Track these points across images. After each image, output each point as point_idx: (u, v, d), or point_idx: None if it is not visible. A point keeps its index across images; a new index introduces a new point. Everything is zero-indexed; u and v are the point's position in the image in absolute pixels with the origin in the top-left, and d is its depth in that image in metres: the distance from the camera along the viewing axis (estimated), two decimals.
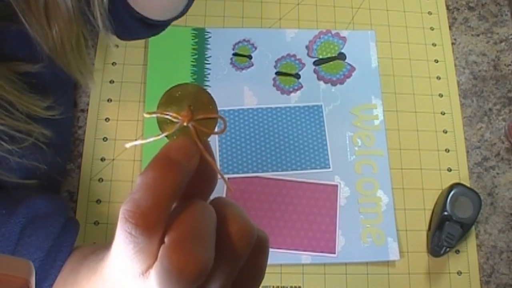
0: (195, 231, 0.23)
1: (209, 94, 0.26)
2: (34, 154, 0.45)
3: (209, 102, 0.26)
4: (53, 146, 0.47)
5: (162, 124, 0.26)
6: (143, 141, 0.26)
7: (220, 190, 0.59)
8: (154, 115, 0.26)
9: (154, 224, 0.22)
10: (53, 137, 0.46)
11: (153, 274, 0.23)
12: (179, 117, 0.25)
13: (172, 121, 0.25)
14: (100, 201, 0.59)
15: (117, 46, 0.64)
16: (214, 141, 0.61)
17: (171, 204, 0.23)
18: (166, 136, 0.26)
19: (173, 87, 0.26)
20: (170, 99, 0.26)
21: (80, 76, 0.46)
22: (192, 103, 0.26)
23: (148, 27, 0.51)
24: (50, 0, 0.38)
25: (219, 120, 0.26)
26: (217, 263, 0.23)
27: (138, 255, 0.23)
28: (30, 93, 0.43)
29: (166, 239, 0.23)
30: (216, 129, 0.26)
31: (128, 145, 0.27)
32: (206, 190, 0.27)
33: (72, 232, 0.45)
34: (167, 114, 0.25)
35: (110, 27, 0.47)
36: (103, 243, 0.56)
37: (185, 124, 0.25)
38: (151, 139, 0.26)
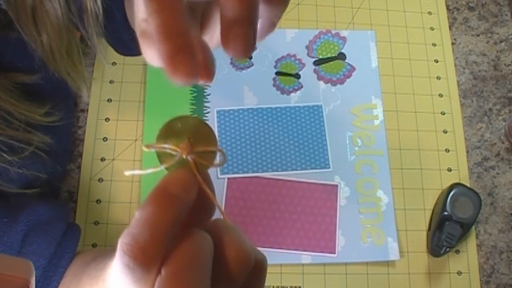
0: (192, 263, 0.23)
1: (209, 127, 0.26)
2: (34, 164, 0.45)
3: (209, 135, 0.26)
4: (53, 153, 0.47)
5: (162, 156, 0.26)
6: (143, 172, 0.26)
7: (220, 187, 0.59)
8: (152, 149, 0.25)
9: (152, 257, 0.23)
10: (53, 144, 0.46)
11: None
12: (178, 150, 0.25)
13: (171, 153, 0.25)
14: (100, 201, 0.59)
15: (114, 63, 0.64)
16: None
17: (169, 237, 0.23)
18: (165, 168, 0.26)
19: (173, 119, 0.26)
20: (169, 131, 0.26)
21: (72, 82, 0.46)
22: (191, 135, 0.26)
23: None
24: (38, 7, 0.38)
25: (218, 152, 0.26)
26: None
27: (136, 285, 0.23)
28: (27, 100, 0.43)
29: (163, 271, 0.23)
30: (215, 162, 0.26)
31: (127, 173, 0.28)
32: (204, 219, 0.27)
33: (74, 238, 0.45)
34: (165, 148, 0.25)
35: (109, 44, 0.47)
36: (104, 249, 0.56)
37: (184, 156, 0.25)
38: (150, 171, 0.26)
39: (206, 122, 0.27)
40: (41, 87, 0.44)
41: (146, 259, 0.22)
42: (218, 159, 0.27)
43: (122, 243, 0.23)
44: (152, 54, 0.32)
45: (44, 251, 0.42)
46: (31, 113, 0.43)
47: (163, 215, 0.23)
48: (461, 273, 0.60)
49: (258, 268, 0.26)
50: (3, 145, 0.41)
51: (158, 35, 0.24)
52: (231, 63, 0.65)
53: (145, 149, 0.25)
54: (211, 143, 0.26)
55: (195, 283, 0.22)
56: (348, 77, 0.66)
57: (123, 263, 0.22)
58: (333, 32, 0.68)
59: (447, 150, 0.65)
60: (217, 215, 0.28)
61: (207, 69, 0.28)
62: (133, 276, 0.23)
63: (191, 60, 0.24)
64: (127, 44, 0.50)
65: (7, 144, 0.41)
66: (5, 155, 0.41)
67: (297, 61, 0.67)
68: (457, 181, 0.62)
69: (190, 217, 0.25)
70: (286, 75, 0.66)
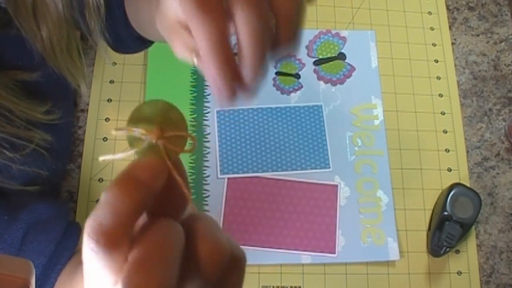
0: (158, 251, 0.22)
1: (179, 112, 0.26)
2: (35, 161, 0.45)
3: (179, 120, 0.26)
4: (54, 150, 0.47)
5: (132, 140, 0.25)
6: (114, 157, 0.26)
7: (220, 187, 0.59)
8: (121, 132, 0.25)
9: (115, 241, 0.22)
10: (54, 142, 0.47)
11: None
12: (148, 134, 0.25)
13: (141, 138, 0.25)
14: None
15: (114, 63, 0.64)
16: (214, 141, 0.61)
17: (134, 222, 0.23)
18: (135, 153, 0.25)
19: (143, 104, 0.26)
20: (139, 115, 0.25)
21: (71, 78, 0.46)
22: (161, 120, 0.25)
23: (144, 43, 0.51)
24: (39, 1, 0.38)
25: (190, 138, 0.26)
26: (185, 284, 0.23)
27: (103, 270, 0.23)
28: (28, 99, 0.43)
29: (129, 257, 0.22)
30: (185, 148, 0.26)
31: (101, 158, 0.27)
32: (177, 208, 0.26)
33: (74, 236, 0.45)
34: (135, 131, 0.25)
35: (106, 41, 0.47)
36: None
37: (153, 141, 0.25)
38: (121, 155, 0.25)
39: (176, 106, 0.26)
40: (41, 85, 0.44)
41: (109, 242, 0.22)
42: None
43: (86, 225, 0.22)
44: (183, 50, 0.33)
45: (44, 249, 0.42)
46: (31, 111, 0.43)
47: (127, 198, 0.22)
48: (461, 273, 0.60)
49: (235, 265, 0.25)
50: (5, 142, 0.41)
51: (205, 54, 0.27)
52: None
53: (113, 132, 0.25)
54: (181, 128, 0.26)
55: (160, 272, 0.22)
56: (348, 77, 0.66)
57: (88, 247, 0.22)
58: (333, 32, 0.68)
59: (447, 150, 0.65)
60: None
61: (247, 89, 0.31)
62: (97, 259, 0.22)
63: (231, 85, 0.29)
64: (125, 42, 0.50)
65: (8, 141, 0.41)
66: (6, 152, 0.41)
67: (297, 61, 0.67)
68: (457, 181, 0.62)
69: (162, 206, 0.25)
70: (286, 75, 0.66)
